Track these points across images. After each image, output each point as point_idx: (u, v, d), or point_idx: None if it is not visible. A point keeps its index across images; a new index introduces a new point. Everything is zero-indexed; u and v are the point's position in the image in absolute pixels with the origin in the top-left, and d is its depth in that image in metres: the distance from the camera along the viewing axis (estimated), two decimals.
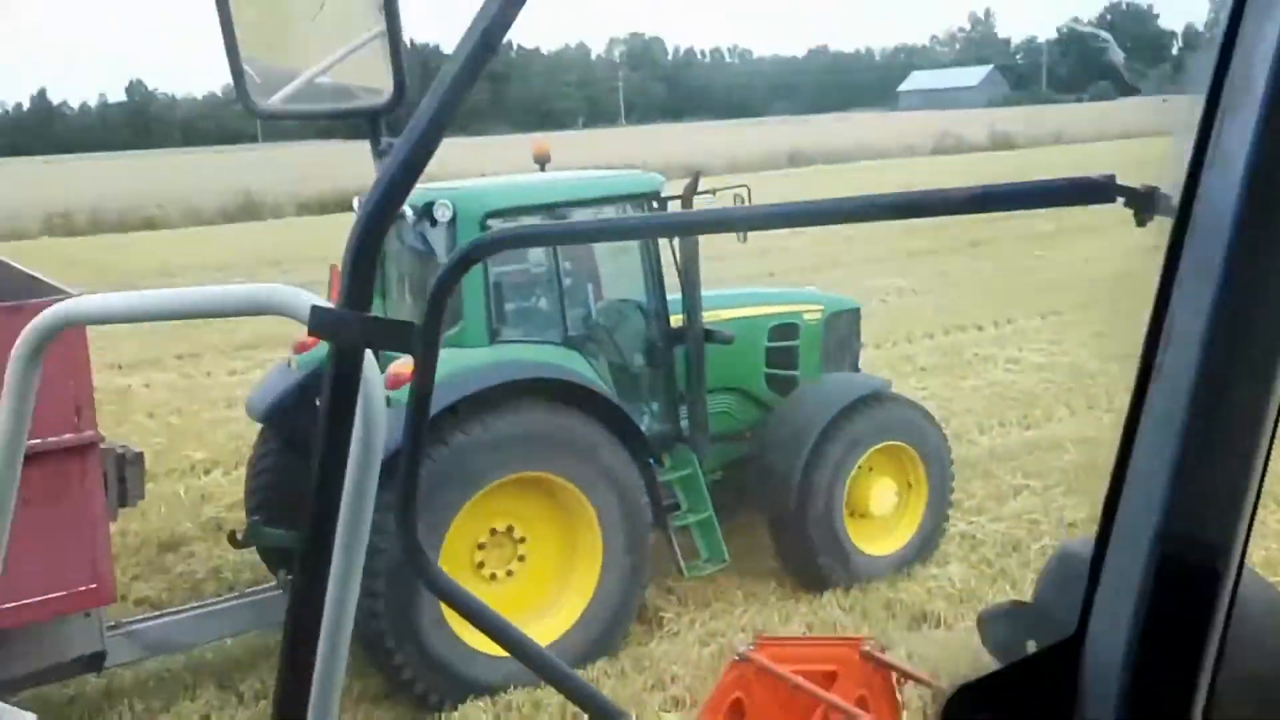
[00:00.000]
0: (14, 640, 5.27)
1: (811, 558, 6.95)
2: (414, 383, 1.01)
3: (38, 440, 4.98)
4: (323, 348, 4.71)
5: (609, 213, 6.81)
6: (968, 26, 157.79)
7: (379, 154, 1.29)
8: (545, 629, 5.98)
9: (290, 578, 6.13)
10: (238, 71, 1.49)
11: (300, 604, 1.09)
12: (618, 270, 6.97)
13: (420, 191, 6.35)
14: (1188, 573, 0.69)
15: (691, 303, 6.77)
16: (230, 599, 6.36)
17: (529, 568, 6.16)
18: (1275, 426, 0.68)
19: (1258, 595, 0.74)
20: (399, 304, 6.88)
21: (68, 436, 4.99)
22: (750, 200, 6.84)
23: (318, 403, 4.30)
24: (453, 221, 6.01)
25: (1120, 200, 0.80)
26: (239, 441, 9.76)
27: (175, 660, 6.28)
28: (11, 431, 1.28)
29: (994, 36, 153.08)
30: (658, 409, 6.87)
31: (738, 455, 7.38)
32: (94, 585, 5.09)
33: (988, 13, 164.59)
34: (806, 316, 7.72)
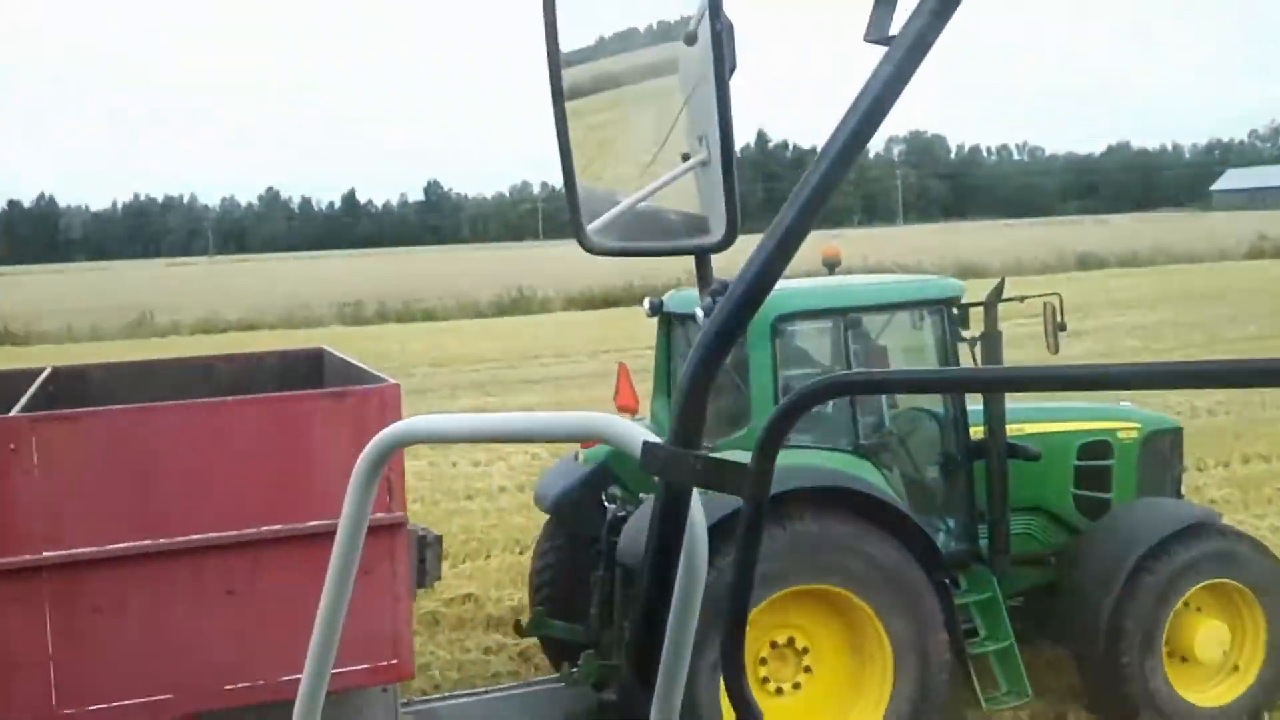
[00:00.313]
0: (329, 709, 5.50)
1: (1124, 702, 6.29)
2: (742, 532, 0.96)
3: (328, 521, 5.27)
4: (603, 446, 4.70)
5: (904, 319, 6.59)
6: None
7: (710, 294, 1.24)
8: None
9: (573, 670, 6.17)
10: (573, 201, 1.43)
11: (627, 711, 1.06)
12: None
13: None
14: None
15: (994, 414, 6.40)
16: (515, 686, 6.45)
17: (815, 684, 5.91)
18: None
19: None
20: None
21: (379, 514, 5.22)
22: (1062, 310, 6.43)
23: (604, 498, 4.31)
24: None
25: None
26: (467, 535, 10.37)
27: None
28: (349, 539, 1.34)
29: None
30: (954, 526, 6.49)
31: (1039, 581, 6.87)
32: (395, 660, 5.27)
33: None
34: (1121, 435, 7.14)
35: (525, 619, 6.98)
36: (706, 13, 1.25)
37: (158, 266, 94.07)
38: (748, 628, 4.80)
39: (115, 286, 56.78)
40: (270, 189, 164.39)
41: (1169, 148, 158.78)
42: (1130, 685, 6.23)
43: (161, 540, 5.05)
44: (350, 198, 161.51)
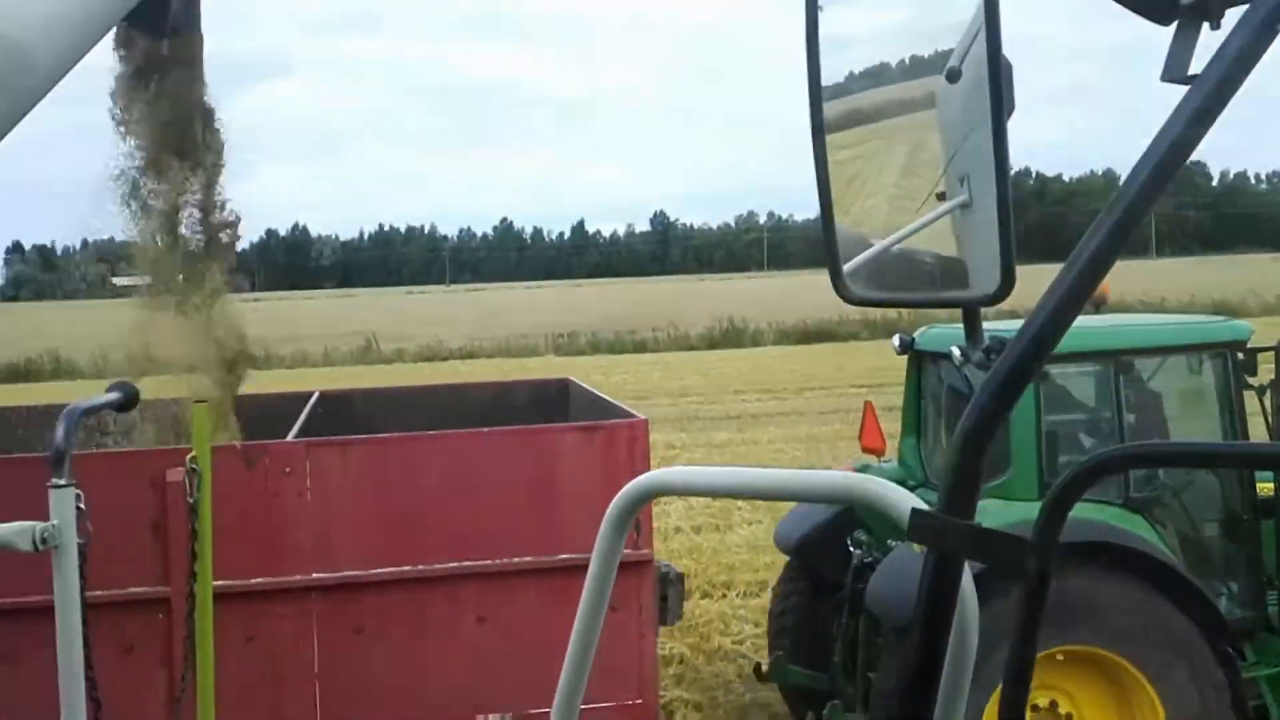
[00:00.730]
0: None
1: None
2: (1025, 602, 0.90)
3: (578, 555, 5.30)
4: None
5: (1181, 363, 6.12)
6: None
7: (984, 351, 1.17)
8: None
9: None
10: (831, 245, 1.34)
11: None
12: (1192, 425, 6.19)
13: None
14: None
15: None
16: None
17: None
18: None
19: None
20: (934, 446, 6.61)
21: (628, 551, 5.23)
22: None
23: (848, 542, 4.10)
24: None
25: None
26: (701, 571, 10.18)
27: None
28: (599, 583, 1.35)
29: None
30: (1238, 591, 5.94)
31: None
32: (640, 700, 5.25)
33: None
34: None
35: (764, 663, 6.85)
36: (974, 50, 1.17)
37: (396, 294, 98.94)
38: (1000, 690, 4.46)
39: (353, 314, 59.64)
40: (505, 219, 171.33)
41: None
42: None
43: (421, 566, 5.22)
44: (580, 228, 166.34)
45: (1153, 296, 37.18)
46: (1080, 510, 4.44)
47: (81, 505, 3.21)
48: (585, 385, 7.11)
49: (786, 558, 7.03)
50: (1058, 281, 0.90)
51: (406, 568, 5.20)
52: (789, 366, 28.15)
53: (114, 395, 3.68)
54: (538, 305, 59.63)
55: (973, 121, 1.18)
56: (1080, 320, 4.58)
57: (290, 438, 5.78)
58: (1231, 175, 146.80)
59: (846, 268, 1.34)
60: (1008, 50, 1.16)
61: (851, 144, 1.38)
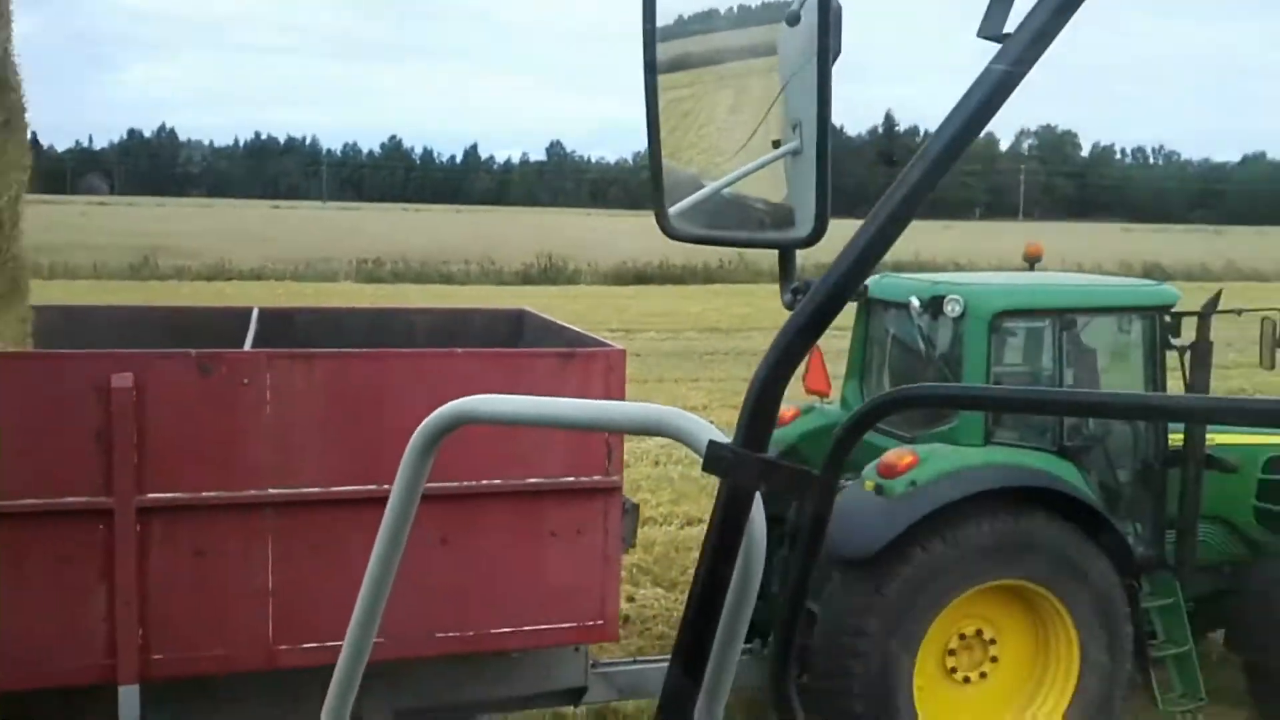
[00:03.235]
0: (517, 664, 5.70)
1: None
2: (805, 531, 0.96)
3: (571, 479, 5.40)
4: (798, 426, 4.74)
5: (1112, 323, 6.51)
6: None
7: (792, 292, 1.16)
8: None
9: (764, 649, 6.28)
10: (657, 182, 1.35)
11: (670, 711, 1.06)
12: (1119, 380, 6.61)
13: (925, 283, 6.37)
14: None
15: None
16: None
17: (1001, 674, 5.96)
18: None
19: None
20: (877, 390, 6.90)
21: (597, 477, 5.35)
22: None
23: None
24: (962, 317, 5.96)
25: None
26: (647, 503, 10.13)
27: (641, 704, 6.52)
28: (399, 516, 1.31)
29: None
30: (1144, 531, 6.44)
31: (1211, 588, 6.81)
32: (601, 621, 5.39)
33: None
34: None
35: None
36: None
37: (261, 208, 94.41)
38: (938, 619, 4.80)
39: (185, 225, 55.17)
40: (394, 137, 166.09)
41: None
42: None
43: (385, 485, 5.16)
44: (473, 152, 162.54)
45: (1013, 258, 38.24)
46: (1018, 456, 4.85)
47: None
48: (542, 315, 7.14)
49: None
50: (861, 231, 0.92)
51: (371, 486, 5.05)
52: (610, 305, 27.43)
53: None
54: (370, 229, 56.41)
55: (808, 67, 1.17)
56: (1028, 278, 4.91)
57: (248, 348, 5.67)
58: (1100, 148, 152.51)
59: (679, 206, 1.34)
60: None
61: (689, 84, 1.38)
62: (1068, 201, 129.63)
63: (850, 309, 7.03)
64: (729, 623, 1.06)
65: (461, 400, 1.30)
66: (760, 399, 0.98)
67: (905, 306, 6.24)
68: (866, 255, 0.93)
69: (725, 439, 0.99)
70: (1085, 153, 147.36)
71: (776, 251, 1.24)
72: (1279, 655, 6.27)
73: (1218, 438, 6.64)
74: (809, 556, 1.02)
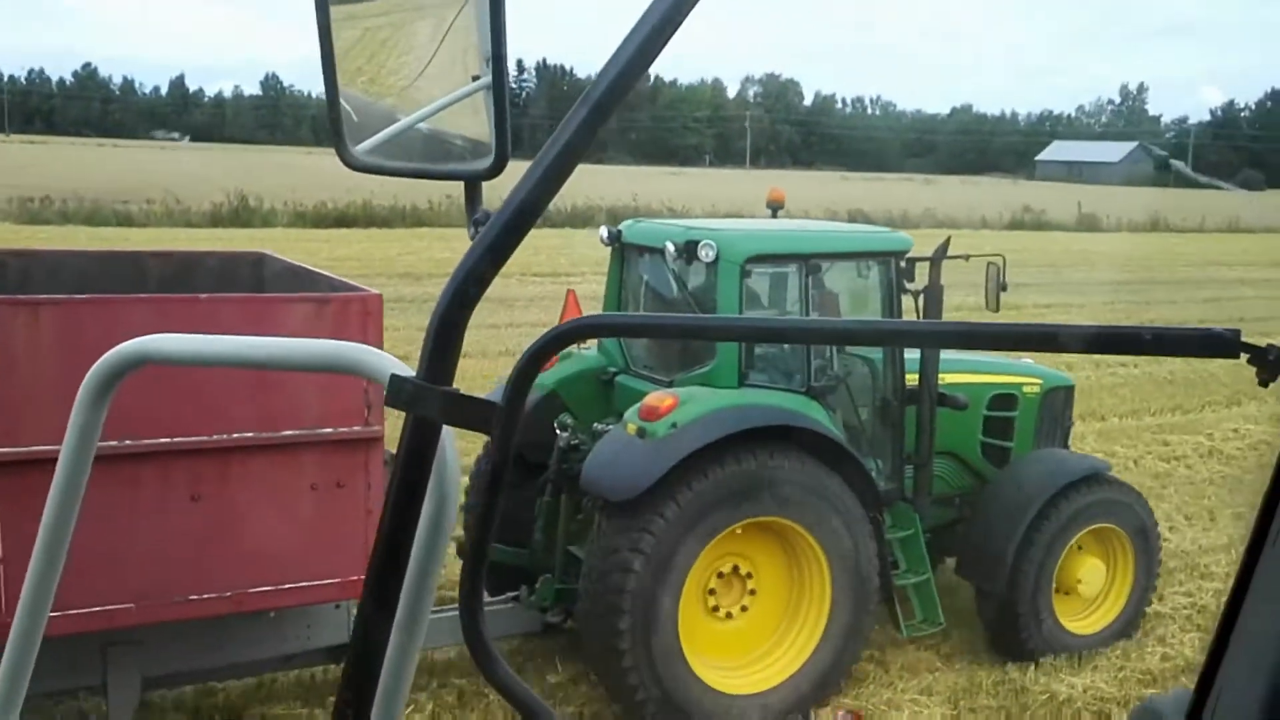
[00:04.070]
0: (275, 623, 5.48)
1: (1017, 630, 6.92)
2: (490, 462, 0.97)
3: (329, 430, 5.20)
4: (557, 372, 4.81)
5: (852, 268, 6.86)
6: (1117, 100, 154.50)
7: (474, 223, 1.18)
8: (774, 669, 6.15)
9: (532, 594, 6.30)
10: (335, 112, 1.33)
11: (353, 684, 1.02)
12: None
13: (679, 229, 6.49)
14: None
15: (929, 364, 6.78)
16: (457, 608, 6.46)
17: (759, 607, 6.24)
18: None
19: None
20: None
21: (357, 428, 5.18)
22: (1005, 271, 6.83)
23: (556, 427, 4.43)
24: (715, 262, 6.11)
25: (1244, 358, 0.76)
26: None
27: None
28: (72, 470, 1.22)
29: (1144, 113, 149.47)
30: (884, 466, 6.87)
31: (944, 519, 7.37)
32: (363, 577, 5.23)
33: (1140, 87, 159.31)
34: (1026, 389, 7.67)
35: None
36: None
37: None
38: (700, 557, 4.93)
39: None
40: (88, 65, 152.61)
41: (1007, 114, 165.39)
42: (1025, 615, 6.87)
43: (128, 441, 4.83)
44: (179, 83, 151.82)
45: (755, 201, 39.66)
46: (771, 398, 5.10)
47: None
48: (285, 259, 6.79)
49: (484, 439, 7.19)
50: (537, 162, 0.92)
51: (112, 442, 4.65)
52: (300, 249, 26.41)
53: None
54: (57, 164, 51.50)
55: (484, 2, 1.17)
56: (776, 225, 5.13)
57: None
58: (821, 98, 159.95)
59: (375, 139, 1.32)
60: None
61: (385, 13, 1.39)
62: (793, 149, 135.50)
63: (604, 253, 7.14)
64: (420, 565, 1.01)
65: (137, 340, 1.18)
66: (442, 330, 0.95)
67: (660, 251, 6.35)
68: (544, 186, 0.92)
69: (411, 373, 0.97)
70: (808, 102, 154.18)
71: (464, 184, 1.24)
72: (1001, 579, 6.84)
73: (948, 377, 7.16)
74: (493, 492, 0.96)
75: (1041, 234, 43.11)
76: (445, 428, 0.99)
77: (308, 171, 44.53)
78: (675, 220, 7.23)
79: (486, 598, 6.72)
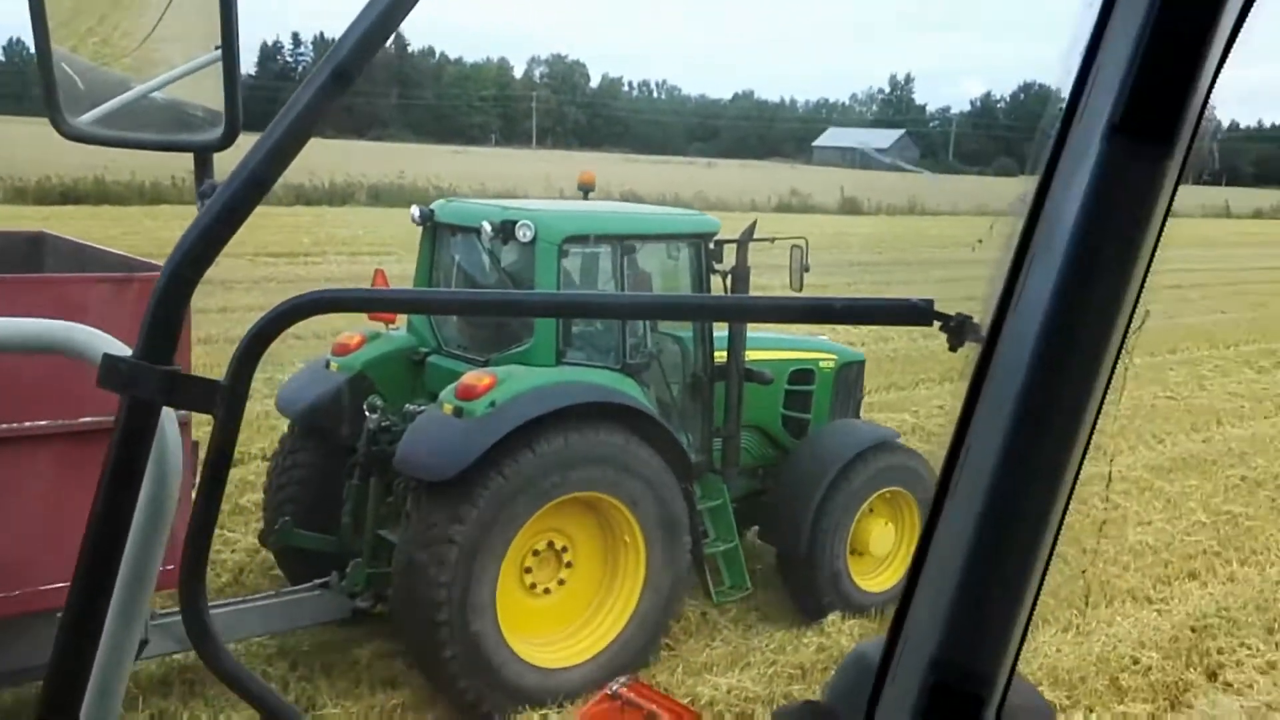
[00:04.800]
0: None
1: (816, 591, 7.29)
2: (213, 444, 0.92)
3: (105, 417, 4.90)
4: (365, 353, 4.84)
5: (663, 249, 7.02)
6: (887, 89, 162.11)
7: (200, 195, 1.16)
8: (589, 641, 6.25)
9: (342, 579, 6.15)
10: (48, 77, 1.28)
11: (61, 674, 0.98)
12: None
13: (496, 209, 6.46)
14: (959, 696, 0.66)
15: (737, 341, 7.03)
16: (266, 597, 6.26)
17: (576, 580, 6.33)
18: (1051, 556, 0.67)
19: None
20: (440, 316, 6.94)
21: (101, 418, 4.87)
22: (808, 254, 7.14)
23: (365, 409, 4.45)
24: (533, 242, 6.13)
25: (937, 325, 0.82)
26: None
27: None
28: None
29: (911, 102, 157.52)
30: (694, 439, 7.07)
31: (749, 489, 7.67)
32: (172, 566, 4.98)
33: (908, 77, 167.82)
34: (822, 364, 8.05)
35: (264, 530, 6.83)
36: None
37: None
38: (517, 535, 5.01)
39: None
40: None
41: (786, 101, 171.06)
42: (824, 575, 7.25)
43: None
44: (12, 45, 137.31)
45: (542, 182, 39.35)
46: (587, 375, 5.32)
47: None
48: (67, 237, 6.36)
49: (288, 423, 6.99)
50: (269, 132, 0.89)
51: None
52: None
53: None
54: None
55: None
56: (592, 206, 5.34)
57: None
58: (608, 81, 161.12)
59: (106, 107, 1.29)
60: None
61: None
62: (579, 130, 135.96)
63: (414, 232, 7.01)
64: (137, 555, 0.97)
65: None
66: (161, 306, 0.91)
67: (474, 231, 6.32)
68: (275, 157, 0.89)
69: (127, 352, 0.93)
70: (595, 84, 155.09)
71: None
72: (799, 544, 7.19)
73: (754, 354, 7.44)
74: (216, 477, 0.92)
75: (806, 217, 44.79)
76: (166, 410, 0.94)
77: (45, 142, 40.64)
78: (491, 200, 7.20)
79: (293, 585, 6.54)
